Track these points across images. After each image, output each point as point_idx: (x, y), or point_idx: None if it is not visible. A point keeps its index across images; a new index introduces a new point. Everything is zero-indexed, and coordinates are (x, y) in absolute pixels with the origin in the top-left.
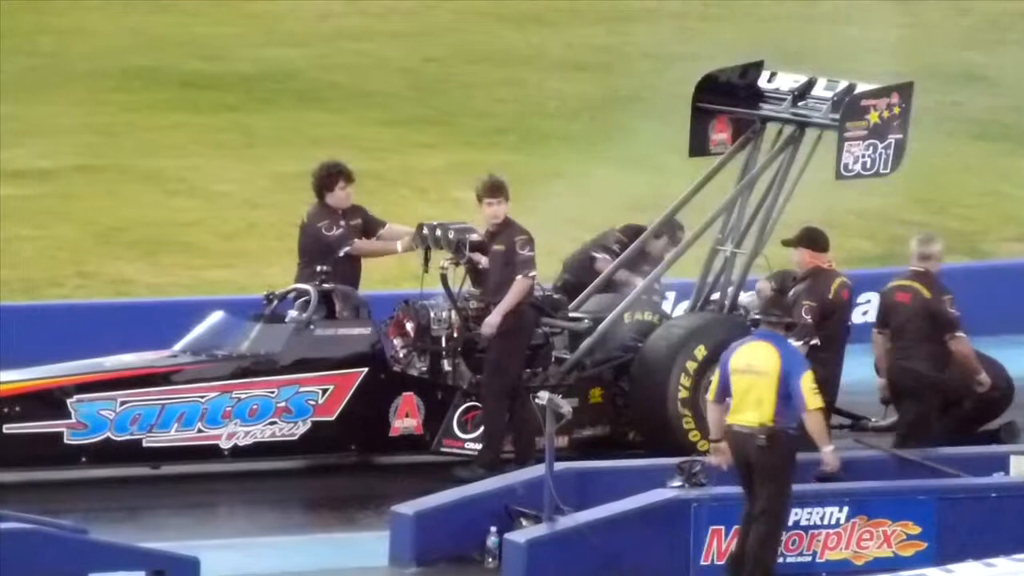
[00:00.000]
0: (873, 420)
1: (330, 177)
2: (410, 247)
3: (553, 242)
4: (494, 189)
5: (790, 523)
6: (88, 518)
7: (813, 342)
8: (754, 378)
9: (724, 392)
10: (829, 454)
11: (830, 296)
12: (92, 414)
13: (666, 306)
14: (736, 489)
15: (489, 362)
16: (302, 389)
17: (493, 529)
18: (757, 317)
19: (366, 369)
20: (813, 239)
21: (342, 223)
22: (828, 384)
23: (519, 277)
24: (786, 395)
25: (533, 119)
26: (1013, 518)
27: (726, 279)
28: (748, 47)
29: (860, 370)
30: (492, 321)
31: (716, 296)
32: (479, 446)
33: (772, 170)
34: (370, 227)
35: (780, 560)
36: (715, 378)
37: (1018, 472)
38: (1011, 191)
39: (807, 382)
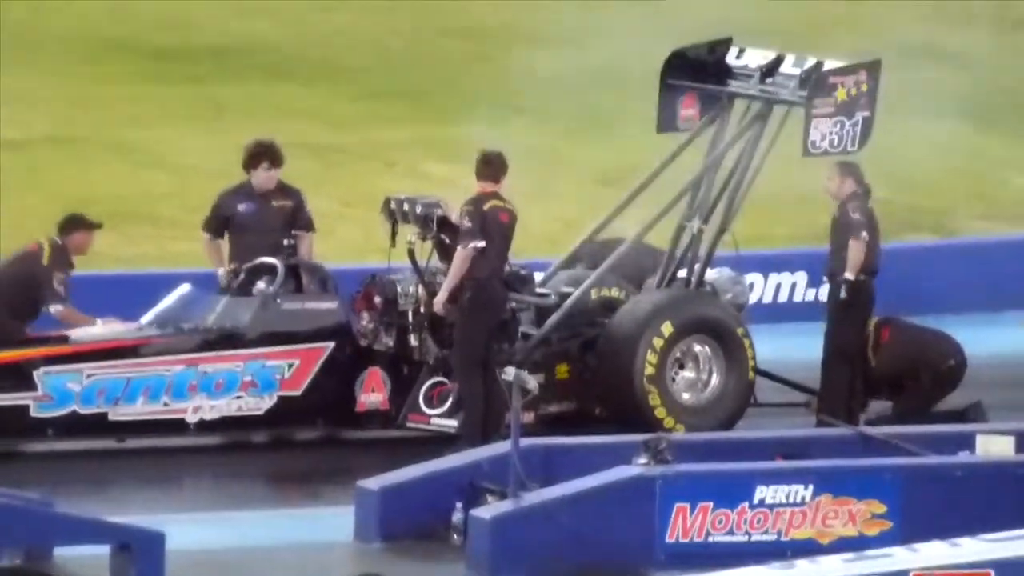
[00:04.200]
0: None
1: (254, 157)
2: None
3: (524, 218)
4: (477, 165)
5: (755, 500)
6: (54, 491)
7: None
8: None
9: None
10: None
11: None
12: (59, 386)
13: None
14: (702, 466)
15: (456, 337)
16: (268, 363)
17: (459, 505)
18: None
19: (332, 343)
20: None
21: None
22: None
23: (459, 248)
24: None
25: (501, 93)
26: (978, 497)
27: (693, 255)
28: (717, 24)
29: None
30: (439, 298)
31: (683, 272)
32: (445, 421)
33: (739, 147)
34: (298, 218)
35: (745, 538)
36: None
37: (984, 451)
38: (979, 169)
39: None
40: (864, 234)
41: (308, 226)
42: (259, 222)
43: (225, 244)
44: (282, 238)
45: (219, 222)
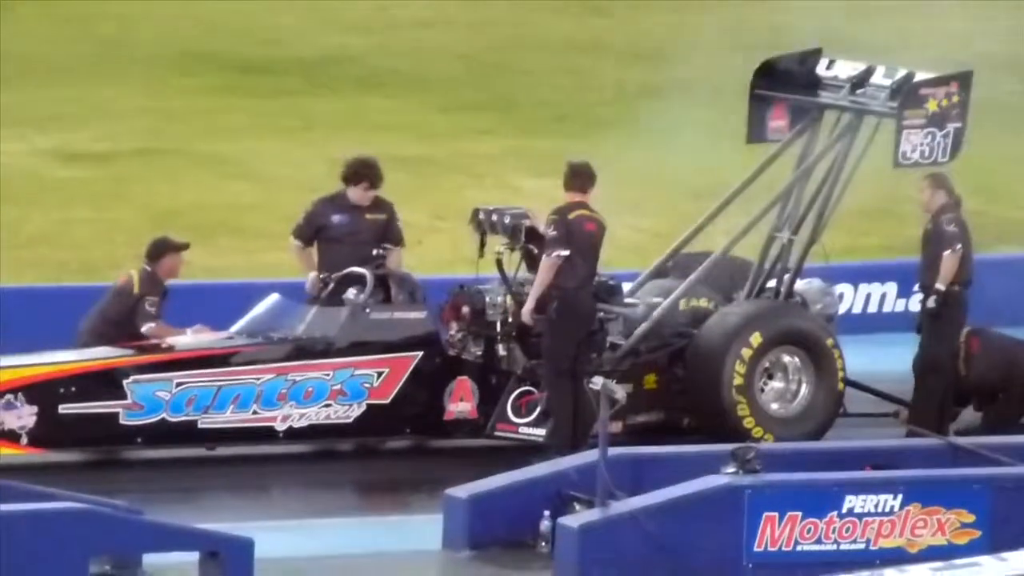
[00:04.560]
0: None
1: (356, 175)
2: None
3: (612, 229)
4: (565, 177)
5: (844, 510)
6: (143, 499)
7: None
8: None
9: None
10: None
11: None
12: (148, 395)
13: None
14: (791, 476)
15: (544, 347)
16: (357, 372)
17: (546, 513)
18: None
19: (421, 353)
20: None
21: None
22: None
23: (544, 257)
24: None
25: (591, 107)
26: None
27: (783, 266)
28: (805, 35)
29: None
30: (526, 308)
31: (772, 283)
32: (533, 430)
33: (830, 158)
34: (389, 231)
35: (834, 547)
36: None
37: None
38: None
39: None
40: (959, 246)
41: (398, 240)
42: (351, 234)
43: (314, 251)
44: (372, 250)
45: (311, 230)
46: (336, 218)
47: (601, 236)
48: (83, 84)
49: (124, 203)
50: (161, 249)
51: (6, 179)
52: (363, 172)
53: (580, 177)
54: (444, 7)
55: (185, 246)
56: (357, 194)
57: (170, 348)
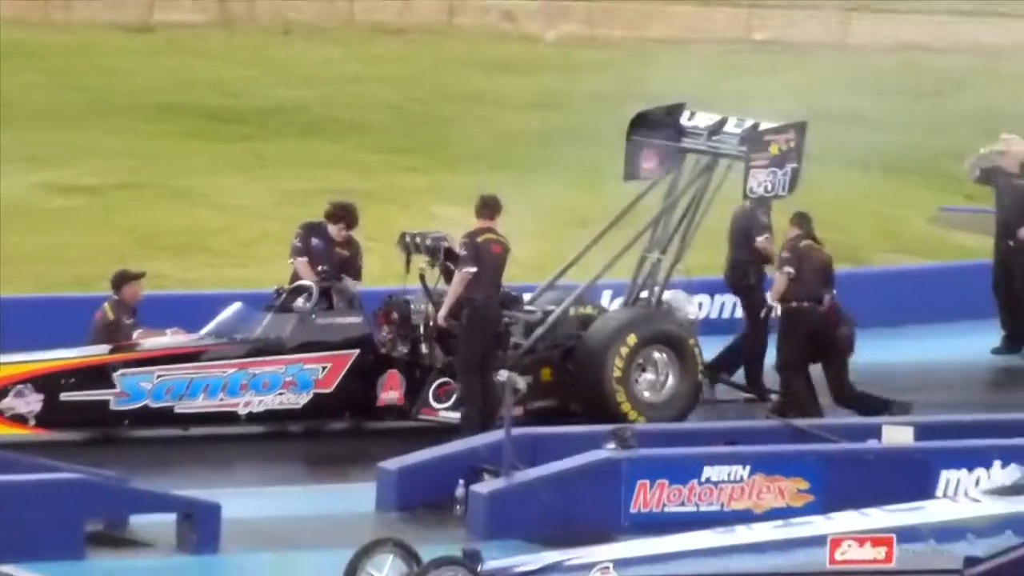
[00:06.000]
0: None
1: (336, 216)
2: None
3: (515, 250)
4: (477, 206)
5: (702, 479)
6: (129, 470)
7: None
8: None
9: None
10: None
11: None
12: (134, 385)
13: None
14: (659, 451)
15: (457, 347)
16: (305, 367)
17: (461, 482)
18: None
19: (358, 351)
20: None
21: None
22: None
23: (456, 273)
24: None
25: (499, 148)
26: (884, 476)
27: (652, 280)
28: (671, 91)
29: None
30: (441, 313)
31: (644, 294)
32: (450, 414)
33: (691, 192)
34: (350, 266)
35: (695, 509)
36: None
37: (889, 440)
38: (888, 212)
39: None
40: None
41: (357, 275)
42: (322, 259)
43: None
44: (334, 275)
45: (305, 248)
46: (315, 242)
47: (505, 256)
48: (73, 128)
49: (110, 228)
50: (121, 280)
51: (7, 208)
52: (341, 214)
53: (488, 207)
54: (377, 65)
55: (141, 275)
56: (334, 231)
57: (151, 347)
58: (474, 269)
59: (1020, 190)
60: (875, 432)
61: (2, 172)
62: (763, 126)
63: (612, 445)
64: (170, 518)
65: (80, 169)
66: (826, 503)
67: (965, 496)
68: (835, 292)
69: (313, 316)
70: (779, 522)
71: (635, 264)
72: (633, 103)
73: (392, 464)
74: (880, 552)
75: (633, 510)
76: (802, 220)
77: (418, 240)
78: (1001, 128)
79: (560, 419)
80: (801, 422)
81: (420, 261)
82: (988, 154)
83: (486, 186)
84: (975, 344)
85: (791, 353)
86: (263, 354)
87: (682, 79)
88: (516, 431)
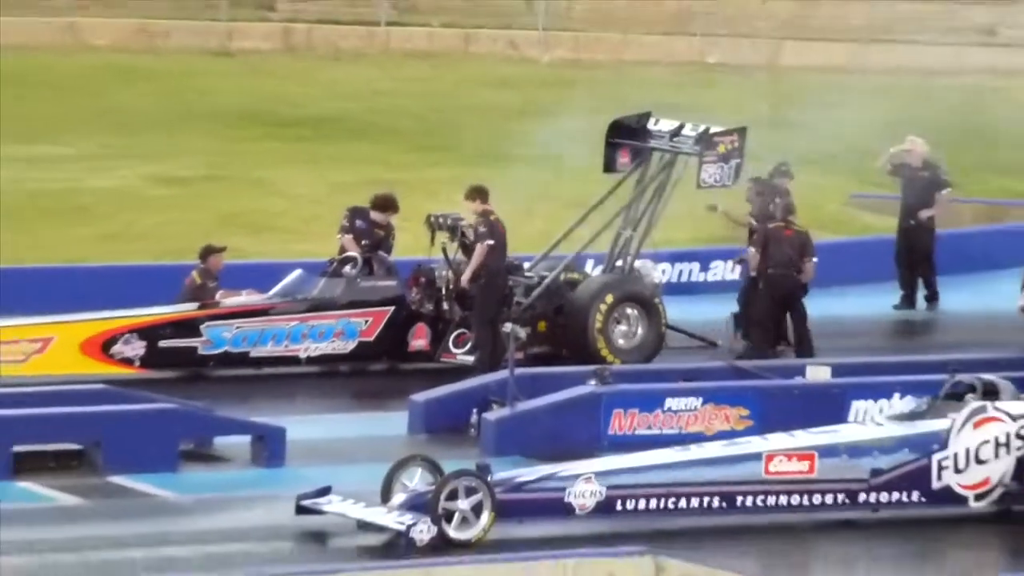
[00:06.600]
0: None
1: (380, 204)
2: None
3: (516, 227)
4: (468, 192)
5: (665, 408)
6: (213, 402)
7: None
8: None
9: None
10: None
11: None
12: (217, 335)
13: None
14: (630, 386)
15: (476, 304)
16: (352, 320)
17: (475, 411)
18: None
19: (393, 308)
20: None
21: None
22: None
23: (478, 245)
24: None
25: (506, 147)
26: (808, 406)
27: (626, 252)
28: (641, 102)
29: None
30: (465, 277)
31: (620, 263)
32: (466, 357)
33: (657, 182)
34: (384, 245)
35: (659, 432)
36: None
37: (811, 377)
38: (812, 198)
39: None
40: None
41: (388, 251)
42: (364, 236)
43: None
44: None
45: (351, 226)
46: (359, 223)
47: (506, 232)
48: (171, 132)
49: (199, 211)
50: (207, 252)
51: (122, 196)
52: (383, 204)
53: (484, 193)
54: (408, 83)
55: (223, 248)
56: (377, 215)
57: (231, 304)
58: (492, 242)
59: (922, 181)
60: (801, 371)
61: (119, 166)
62: (713, 130)
63: (594, 382)
64: (246, 439)
65: (176, 164)
66: (762, 427)
67: (872, 421)
68: (815, 260)
69: (358, 280)
70: (725, 442)
71: (612, 239)
72: (611, 112)
73: (420, 396)
74: (804, 465)
75: (610, 433)
76: (764, 188)
77: (441, 220)
78: (908, 132)
79: (553, 361)
80: (742, 363)
81: (442, 237)
82: (897, 152)
83: (497, 179)
84: (880, 302)
85: (760, 309)
86: (319, 310)
87: (650, 93)
88: (518, 371)
